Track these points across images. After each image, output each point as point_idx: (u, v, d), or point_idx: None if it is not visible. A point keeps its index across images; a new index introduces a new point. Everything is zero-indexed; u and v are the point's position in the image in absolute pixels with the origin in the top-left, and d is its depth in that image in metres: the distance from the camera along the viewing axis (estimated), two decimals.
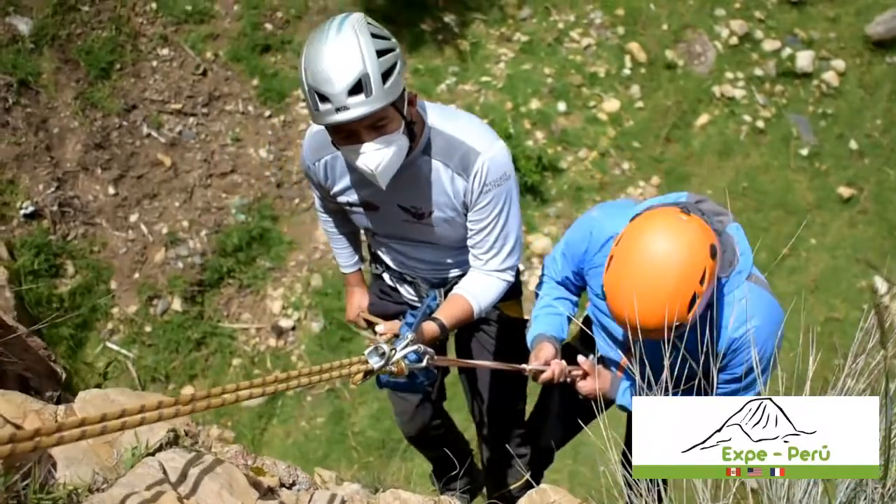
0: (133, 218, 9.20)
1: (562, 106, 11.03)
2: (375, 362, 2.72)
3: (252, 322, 9.35)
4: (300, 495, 2.78)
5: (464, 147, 3.16)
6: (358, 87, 2.76)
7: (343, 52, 2.72)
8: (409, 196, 3.28)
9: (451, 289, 3.53)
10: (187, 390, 8.77)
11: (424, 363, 2.87)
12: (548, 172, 10.56)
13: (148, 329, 8.89)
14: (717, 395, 2.85)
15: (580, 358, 3.50)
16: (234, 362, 9.04)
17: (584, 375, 3.50)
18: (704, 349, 2.78)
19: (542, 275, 3.72)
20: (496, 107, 10.91)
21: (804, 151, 11.21)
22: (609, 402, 3.49)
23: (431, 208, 3.31)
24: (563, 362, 3.42)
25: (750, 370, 3.06)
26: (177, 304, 9.05)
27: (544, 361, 3.38)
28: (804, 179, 11.05)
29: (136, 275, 9.03)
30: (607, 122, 11.06)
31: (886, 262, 10.49)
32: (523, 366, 3.41)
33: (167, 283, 9.07)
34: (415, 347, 2.82)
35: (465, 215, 3.32)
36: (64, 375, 2.92)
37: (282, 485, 2.82)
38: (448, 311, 3.27)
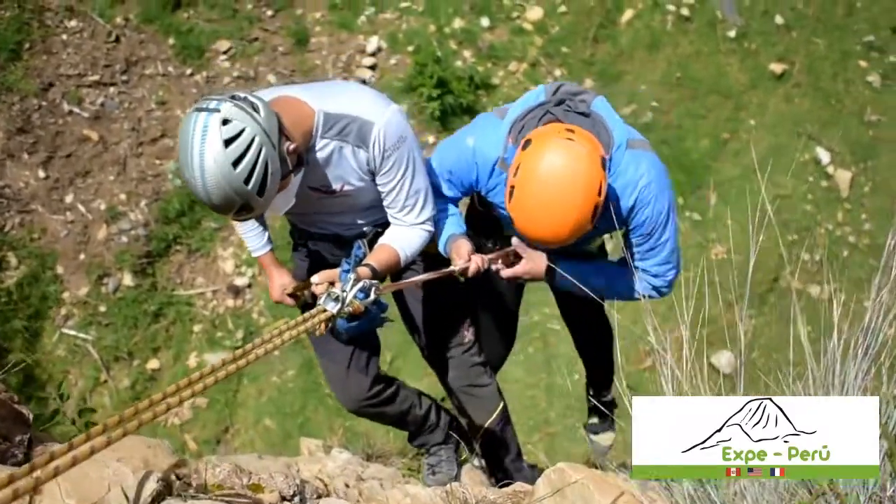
0: (69, 199, 9.00)
1: (485, 21, 10.89)
2: (333, 307, 2.83)
3: (207, 285, 9.25)
4: None
5: (358, 121, 3.21)
6: (241, 211, 2.93)
7: (218, 194, 2.82)
8: (317, 178, 3.33)
9: (373, 238, 3.63)
10: (152, 364, 8.71)
11: (373, 295, 2.99)
12: (481, 91, 10.48)
13: (103, 309, 8.77)
14: (634, 254, 3.44)
15: (514, 240, 3.60)
16: (196, 328, 8.97)
17: (511, 261, 3.65)
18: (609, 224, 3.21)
19: None
20: (419, 31, 10.76)
21: (731, 33, 11.18)
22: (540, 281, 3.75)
23: (341, 184, 3.39)
24: (481, 254, 3.58)
25: (655, 225, 3.38)
26: (128, 280, 8.92)
27: (467, 257, 3.51)
28: (735, 61, 11.04)
29: (82, 256, 8.87)
30: (533, 32, 10.94)
31: (826, 131, 10.58)
32: (451, 268, 3.52)
33: (114, 259, 8.93)
34: (361, 284, 2.95)
35: (374, 180, 3.40)
36: (31, 416, 2.81)
37: (283, 498, 2.77)
38: (377, 257, 3.38)
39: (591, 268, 3.67)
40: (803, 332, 2.65)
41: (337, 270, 3.11)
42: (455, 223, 3.74)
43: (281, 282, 3.78)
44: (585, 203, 3.00)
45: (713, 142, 10.57)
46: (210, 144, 2.78)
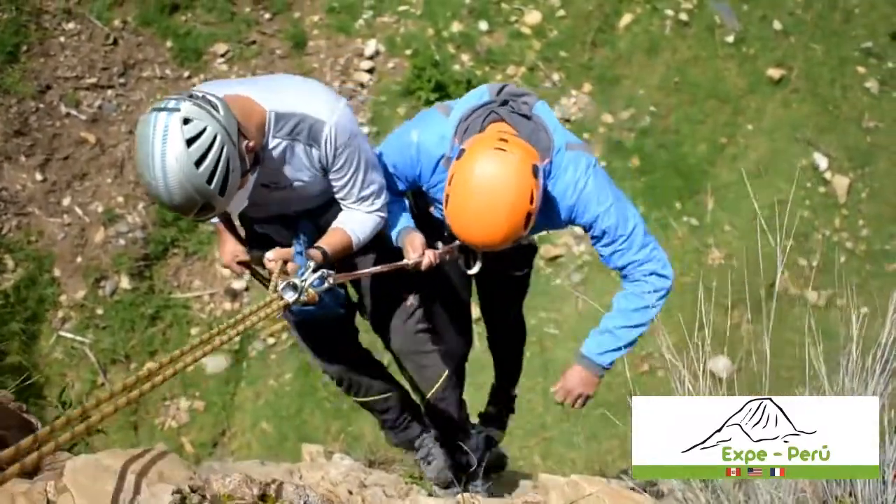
0: (66, 201, 8.98)
1: (483, 25, 10.89)
2: (290, 296, 2.89)
3: (204, 288, 9.24)
4: None
5: (308, 120, 3.25)
6: (202, 211, 2.92)
7: (180, 194, 2.81)
8: (268, 176, 3.36)
9: (320, 214, 3.72)
10: (149, 367, 8.66)
11: (326, 284, 3.05)
12: None
13: (100, 312, 8.75)
14: (613, 258, 3.56)
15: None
16: (193, 332, 8.95)
17: (457, 255, 3.80)
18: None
19: None
20: (417, 35, 10.75)
21: (730, 38, 11.19)
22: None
23: (291, 181, 3.43)
24: (432, 249, 3.68)
25: (609, 220, 3.47)
26: (125, 283, 8.90)
27: (420, 251, 3.63)
28: (733, 66, 11.05)
29: (79, 259, 8.85)
30: (531, 36, 10.94)
31: (824, 137, 10.58)
32: (405, 261, 3.63)
33: (112, 262, 8.91)
34: (318, 274, 3.01)
35: (326, 174, 3.45)
36: (39, 424, 2.79)
37: None
38: (330, 241, 3.45)
39: (611, 330, 3.74)
40: (817, 349, 2.64)
41: (290, 249, 3.24)
42: (408, 217, 3.83)
43: (234, 248, 3.74)
44: (516, 211, 3.11)
45: (711, 147, 10.57)
46: (171, 144, 2.78)
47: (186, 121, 2.80)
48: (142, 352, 8.72)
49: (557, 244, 9.64)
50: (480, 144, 3.19)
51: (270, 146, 3.25)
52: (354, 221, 3.57)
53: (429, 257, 3.62)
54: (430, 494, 3.93)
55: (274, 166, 3.32)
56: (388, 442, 4.75)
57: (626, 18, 11.16)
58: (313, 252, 3.34)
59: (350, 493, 3.34)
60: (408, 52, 10.68)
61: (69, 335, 8.57)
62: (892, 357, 2.46)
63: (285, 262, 3.15)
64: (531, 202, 3.12)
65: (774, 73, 10.94)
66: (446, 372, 4.29)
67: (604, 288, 8.65)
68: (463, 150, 3.20)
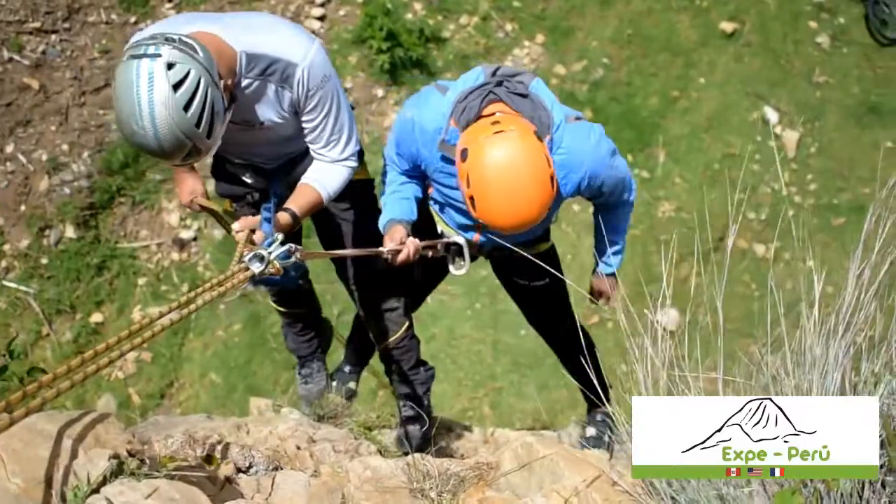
0: (9, 149, 8.80)
1: None
2: (257, 267, 2.87)
3: (151, 238, 9.13)
4: (261, 480, 2.67)
5: (280, 62, 3.25)
6: (189, 156, 2.95)
7: (170, 140, 2.82)
8: (238, 113, 3.34)
9: (291, 169, 3.79)
10: (96, 318, 8.59)
11: (293, 259, 3.05)
12: (431, 44, 10.38)
13: (44, 261, 8.62)
14: (604, 204, 3.85)
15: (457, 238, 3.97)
16: (140, 282, 8.86)
17: (441, 252, 3.98)
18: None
19: (384, 165, 4.03)
20: None
21: None
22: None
23: (262, 120, 3.43)
24: (416, 240, 3.75)
25: (615, 181, 3.66)
26: (70, 232, 8.76)
27: (399, 242, 3.69)
28: (687, 19, 11.03)
29: (23, 207, 8.70)
30: None
31: (775, 91, 10.63)
32: (380, 249, 3.67)
33: (56, 211, 8.76)
34: (285, 248, 2.99)
35: (296, 116, 3.47)
36: None
37: (238, 470, 2.73)
38: (298, 202, 3.49)
39: (621, 248, 4.20)
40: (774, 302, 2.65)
41: (257, 218, 3.25)
42: (402, 208, 3.90)
43: (193, 187, 3.70)
44: (541, 179, 3.19)
45: (663, 100, 10.58)
46: (158, 91, 2.76)
47: (170, 66, 2.78)
48: (87, 302, 8.62)
49: None
50: (478, 135, 3.25)
51: (242, 85, 3.25)
52: (324, 176, 3.60)
53: (408, 249, 3.69)
54: (379, 451, 3.92)
55: (244, 104, 3.32)
56: (285, 345, 5.09)
57: None
58: (282, 216, 3.37)
59: (298, 448, 3.31)
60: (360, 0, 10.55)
61: (12, 285, 8.44)
62: (853, 318, 2.47)
63: (252, 231, 3.15)
64: (549, 165, 3.22)
65: (727, 26, 10.94)
66: (406, 324, 4.46)
67: (557, 239, 8.66)
68: (465, 150, 3.25)
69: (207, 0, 10.09)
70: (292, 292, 4.52)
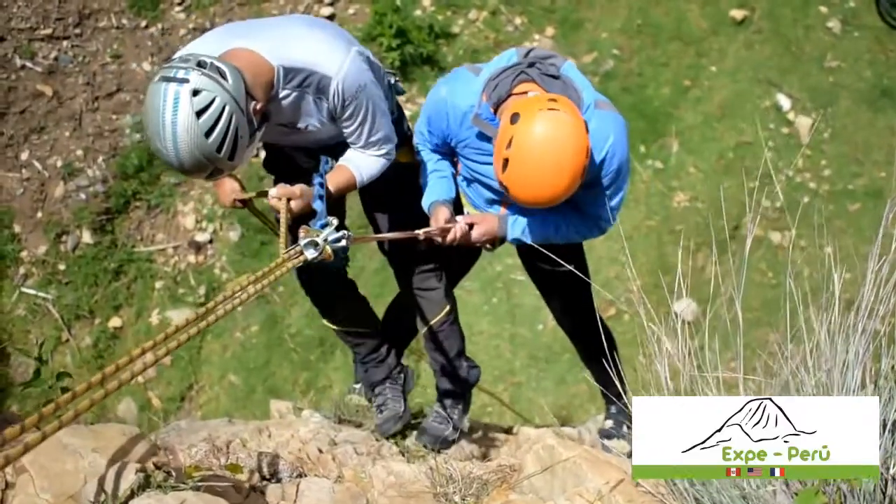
0: (24, 156, 8.84)
1: None
2: (311, 254, 2.99)
3: (168, 241, 9.17)
4: (286, 487, 2.70)
5: (315, 75, 3.34)
6: (212, 175, 3.10)
7: (191, 162, 2.95)
8: (282, 117, 3.47)
9: (341, 152, 3.82)
10: (114, 322, 8.64)
11: (345, 243, 3.17)
12: (441, 40, 10.37)
13: (62, 267, 8.67)
14: (590, 202, 3.75)
15: (462, 217, 3.99)
16: (157, 285, 8.90)
17: (471, 227, 3.97)
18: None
19: (416, 143, 4.13)
20: None
21: None
22: (501, 241, 4.10)
23: (305, 124, 3.55)
24: (463, 221, 3.91)
25: (616, 176, 3.69)
26: (87, 237, 8.81)
27: (444, 223, 3.83)
28: (696, 7, 10.98)
29: (39, 214, 8.75)
30: None
31: (786, 78, 10.58)
32: (428, 229, 3.84)
33: (73, 216, 8.81)
34: (340, 234, 3.13)
35: (335, 121, 3.56)
36: None
37: (263, 478, 2.75)
38: (335, 180, 3.60)
39: (538, 218, 3.93)
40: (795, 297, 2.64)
41: (296, 187, 3.36)
42: (442, 187, 4.02)
43: (231, 186, 3.86)
44: (576, 167, 3.27)
45: (674, 89, 10.54)
46: (182, 116, 2.88)
47: (196, 92, 2.89)
48: (106, 307, 8.67)
49: None
50: (535, 105, 3.32)
51: (281, 96, 3.34)
52: (361, 160, 3.70)
53: (455, 230, 3.83)
54: (401, 453, 3.94)
55: (286, 110, 3.43)
56: (355, 377, 5.02)
57: None
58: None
59: (320, 451, 3.34)
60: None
61: (31, 291, 8.50)
62: (873, 316, 2.47)
63: (289, 200, 3.29)
64: (586, 157, 3.29)
65: (737, 13, 10.88)
66: (447, 307, 4.49)
67: None
68: (517, 115, 3.30)
69: (217, 2, 10.10)
70: (334, 295, 4.50)
